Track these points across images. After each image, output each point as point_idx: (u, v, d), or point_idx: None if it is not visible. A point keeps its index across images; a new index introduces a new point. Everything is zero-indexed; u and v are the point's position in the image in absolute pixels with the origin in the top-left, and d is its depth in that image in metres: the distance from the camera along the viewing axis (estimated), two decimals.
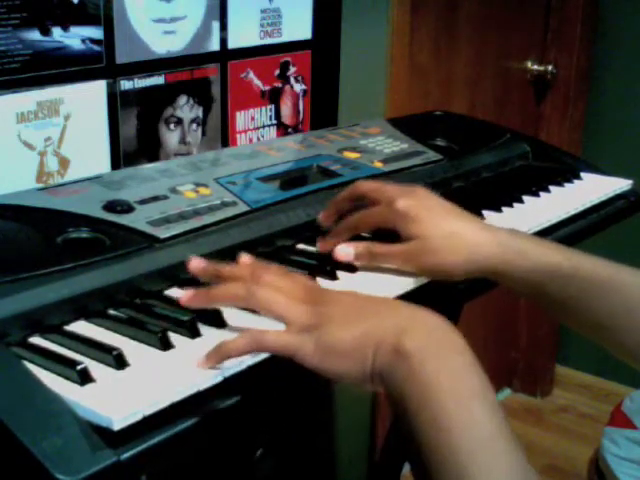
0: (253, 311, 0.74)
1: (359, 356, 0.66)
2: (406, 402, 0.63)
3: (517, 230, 0.91)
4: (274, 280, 0.72)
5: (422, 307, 0.70)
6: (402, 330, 0.65)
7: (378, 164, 1.15)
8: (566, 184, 1.24)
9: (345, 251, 0.86)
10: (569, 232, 1.11)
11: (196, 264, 0.77)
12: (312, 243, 0.93)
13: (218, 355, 0.68)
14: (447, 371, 0.63)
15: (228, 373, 0.68)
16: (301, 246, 0.95)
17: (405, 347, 0.64)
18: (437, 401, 0.61)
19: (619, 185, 1.25)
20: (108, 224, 0.87)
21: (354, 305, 0.70)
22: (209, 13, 1.32)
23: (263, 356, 0.70)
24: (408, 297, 0.86)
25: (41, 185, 1.12)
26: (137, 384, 0.65)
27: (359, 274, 0.87)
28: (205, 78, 1.34)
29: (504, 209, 1.10)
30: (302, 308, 0.70)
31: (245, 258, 0.79)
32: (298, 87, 1.52)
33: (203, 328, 0.73)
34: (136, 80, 1.23)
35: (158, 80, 1.26)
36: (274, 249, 0.93)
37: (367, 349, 0.65)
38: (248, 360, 0.69)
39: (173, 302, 0.78)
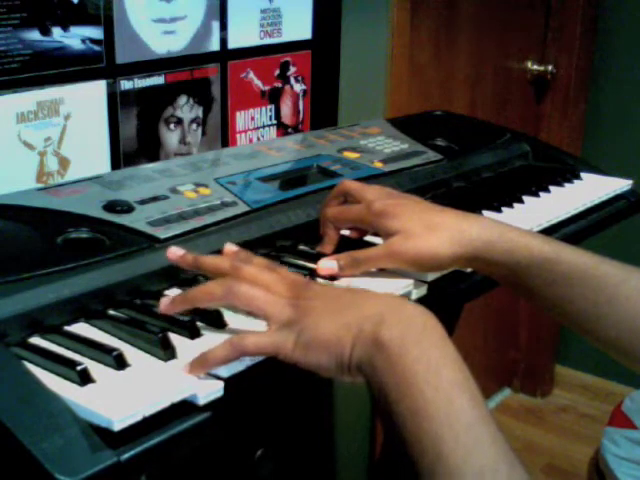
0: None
1: (338, 348, 0.66)
2: (386, 392, 0.62)
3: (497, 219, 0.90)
4: (254, 273, 0.72)
5: (402, 298, 0.70)
6: (381, 320, 0.65)
7: (378, 164, 1.15)
8: (566, 184, 1.24)
9: (328, 265, 0.84)
10: (569, 232, 1.11)
11: (174, 252, 0.77)
12: (312, 244, 0.93)
13: (200, 366, 0.67)
14: (426, 360, 0.62)
15: (228, 373, 0.68)
16: (301, 247, 0.95)
17: (384, 337, 0.63)
18: (417, 390, 0.61)
19: (619, 185, 1.25)
20: (108, 224, 0.87)
21: (334, 297, 0.70)
22: (209, 13, 1.32)
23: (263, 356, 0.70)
24: (406, 297, 0.86)
25: (41, 185, 1.12)
26: (137, 384, 0.65)
27: (358, 277, 0.87)
28: (205, 78, 1.34)
29: (504, 209, 1.10)
30: (282, 302, 0.69)
31: (229, 247, 0.79)
32: (298, 87, 1.52)
33: (203, 328, 0.73)
34: (136, 80, 1.23)
35: (158, 80, 1.26)
36: (274, 249, 0.93)
37: (346, 340, 0.65)
38: (248, 360, 0.69)
39: None
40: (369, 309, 0.67)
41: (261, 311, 0.70)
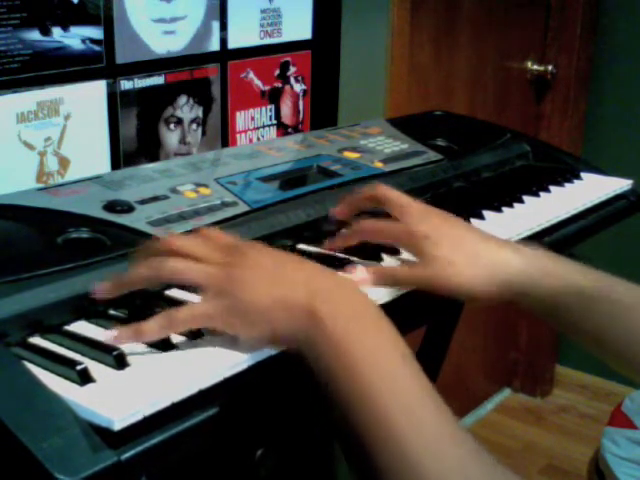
0: None
1: (270, 321, 0.66)
2: (323, 363, 0.63)
3: (539, 249, 0.88)
4: (186, 245, 0.71)
5: (339, 274, 0.71)
6: (316, 294, 0.65)
7: (378, 164, 1.15)
8: (566, 184, 1.24)
9: (361, 276, 0.82)
10: (569, 232, 1.11)
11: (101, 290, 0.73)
12: (312, 243, 0.93)
13: (134, 337, 0.68)
14: (362, 333, 0.63)
15: (229, 373, 0.68)
16: (301, 246, 0.95)
17: (319, 311, 0.64)
18: (355, 367, 0.62)
19: (619, 185, 1.25)
20: (108, 224, 0.87)
21: (270, 268, 0.69)
22: (209, 13, 1.32)
23: (263, 356, 0.70)
24: (407, 297, 0.86)
25: (41, 185, 1.12)
26: (137, 384, 0.65)
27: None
28: (205, 78, 1.34)
29: (504, 209, 1.10)
30: (215, 271, 0.69)
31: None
32: (298, 87, 1.52)
33: (203, 329, 0.73)
34: (136, 80, 1.23)
35: (158, 80, 1.26)
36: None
37: (278, 313, 0.66)
38: (249, 360, 0.69)
39: (173, 303, 0.78)
40: (304, 284, 0.67)
41: (194, 282, 0.69)
